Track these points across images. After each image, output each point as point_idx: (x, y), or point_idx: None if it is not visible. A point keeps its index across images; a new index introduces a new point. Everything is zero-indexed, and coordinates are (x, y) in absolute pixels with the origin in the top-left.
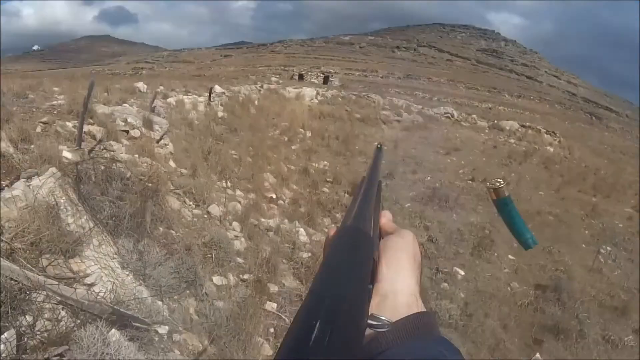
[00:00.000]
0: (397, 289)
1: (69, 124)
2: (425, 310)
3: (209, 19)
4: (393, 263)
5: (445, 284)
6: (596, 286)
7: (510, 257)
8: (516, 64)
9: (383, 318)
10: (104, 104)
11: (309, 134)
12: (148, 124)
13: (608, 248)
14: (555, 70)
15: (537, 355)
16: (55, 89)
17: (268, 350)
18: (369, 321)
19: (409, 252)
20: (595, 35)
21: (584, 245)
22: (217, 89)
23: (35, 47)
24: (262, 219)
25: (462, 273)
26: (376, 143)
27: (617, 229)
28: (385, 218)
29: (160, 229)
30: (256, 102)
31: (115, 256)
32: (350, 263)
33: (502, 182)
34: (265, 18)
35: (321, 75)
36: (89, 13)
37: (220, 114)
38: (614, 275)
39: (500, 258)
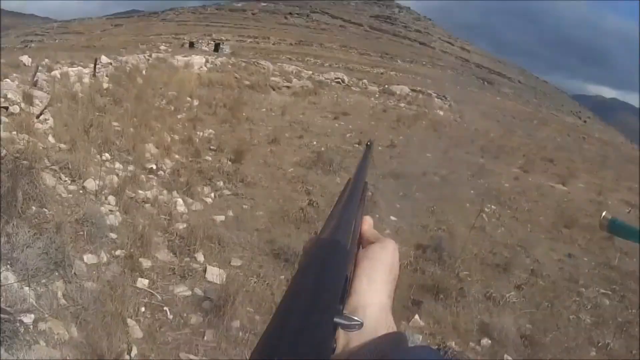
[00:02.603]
0: (367, 303)
1: None
2: (395, 330)
3: None
4: (366, 276)
5: None
6: (478, 244)
7: (392, 217)
8: (409, 30)
9: (355, 318)
10: None
11: (196, 103)
12: (28, 99)
13: (493, 207)
14: (448, 37)
15: (417, 317)
16: None
17: (138, 332)
18: (340, 320)
19: (385, 264)
20: (490, 3)
21: (468, 205)
22: (104, 59)
23: None
24: (140, 191)
25: None
26: (367, 141)
27: (503, 188)
28: (367, 224)
29: (33, 208)
30: (144, 72)
31: None
32: (318, 285)
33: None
34: None
35: (212, 43)
36: None
37: (105, 85)
38: (497, 233)
39: (382, 219)
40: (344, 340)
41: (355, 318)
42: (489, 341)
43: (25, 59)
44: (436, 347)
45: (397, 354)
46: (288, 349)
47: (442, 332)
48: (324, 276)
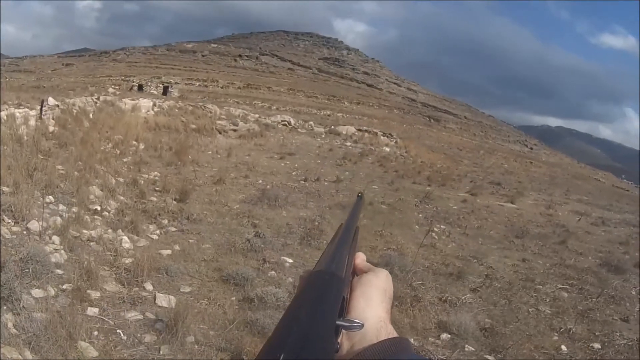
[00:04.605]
0: (366, 317)
1: None
2: (396, 335)
3: (53, 21)
4: (362, 297)
5: (273, 272)
6: (430, 258)
7: None
8: (357, 72)
9: (356, 321)
10: None
11: (142, 146)
12: None
13: (442, 226)
14: (396, 78)
15: None
16: None
17: (93, 352)
18: (341, 322)
19: (379, 287)
20: (439, 42)
21: (417, 227)
22: (51, 101)
23: None
24: (85, 231)
25: (290, 261)
26: (358, 192)
27: (451, 210)
28: (360, 259)
29: None
30: (91, 115)
31: None
32: (318, 300)
33: None
34: (110, 20)
35: (161, 85)
36: None
37: (51, 129)
38: (447, 248)
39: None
40: (348, 344)
41: (356, 321)
42: (449, 335)
43: None
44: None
45: (402, 355)
46: (293, 347)
47: (399, 333)
48: (323, 294)
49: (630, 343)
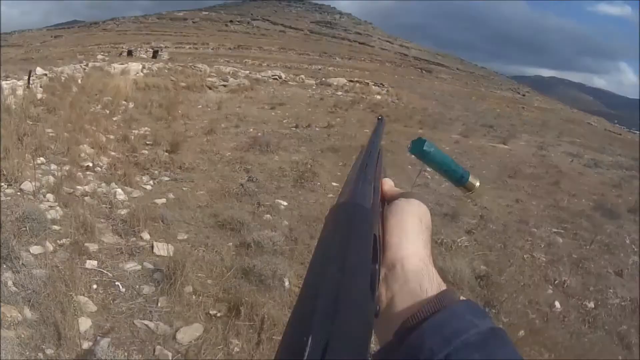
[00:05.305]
0: (404, 255)
1: None
2: (439, 282)
3: None
4: (397, 228)
5: (268, 215)
6: (423, 199)
7: (334, 184)
8: (349, 33)
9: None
10: None
11: (131, 105)
12: None
13: None
14: (388, 37)
15: None
16: None
17: (92, 307)
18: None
19: (414, 215)
20: (435, 7)
21: (409, 167)
22: (39, 70)
23: None
24: (78, 187)
25: (285, 204)
26: (377, 116)
27: (443, 151)
28: (387, 185)
29: None
30: (79, 81)
31: None
32: (346, 244)
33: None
34: None
35: (150, 50)
36: None
37: (39, 96)
38: (441, 187)
39: (324, 186)
40: (388, 295)
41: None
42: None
43: None
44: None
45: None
46: (323, 325)
47: None
48: (350, 238)
49: (623, 303)
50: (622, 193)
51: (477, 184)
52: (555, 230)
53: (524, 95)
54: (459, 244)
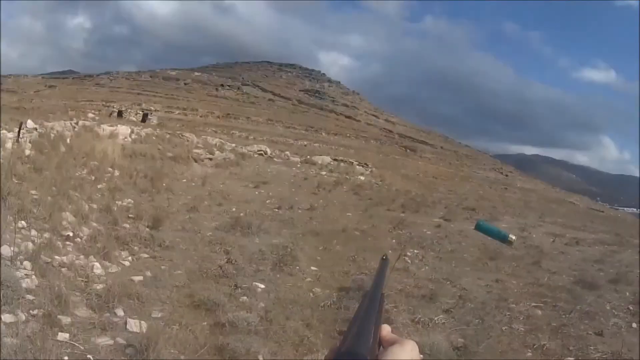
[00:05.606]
0: None
1: None
2: None
3: (41, 39)
4: None
5: (245, 297)
6: (403, 282)
7: (313, 268)
8: (337, 104)
9: None
10: None
11: (117, 173)
12: None
13: (415, 251)
14: (374, 110)
15: None
16: None
17: None
18: None
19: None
20: (420, 76)
21: (390, 252)
22: (30, 124)
23: None
24: (56, 257)
25: (262, 286)
26: (382, 255)
27: (425, 235)
28: (386, 331)
29: None
30: (68, 140)
31: None
32: None
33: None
34: (98, 42)
35: (140, 113)
36: None
37: (27, 152)
38: (420, 272)
39: (302, 270)
40: None
41: None
42: (421, 355)
43: None
44: None
45: None
46: None
47: None
48: None
49: (604, 356)
50: (604, 267)
51: (514, 237)
52: (535, 304)
53: (507, 175)
54: (436, 322)
